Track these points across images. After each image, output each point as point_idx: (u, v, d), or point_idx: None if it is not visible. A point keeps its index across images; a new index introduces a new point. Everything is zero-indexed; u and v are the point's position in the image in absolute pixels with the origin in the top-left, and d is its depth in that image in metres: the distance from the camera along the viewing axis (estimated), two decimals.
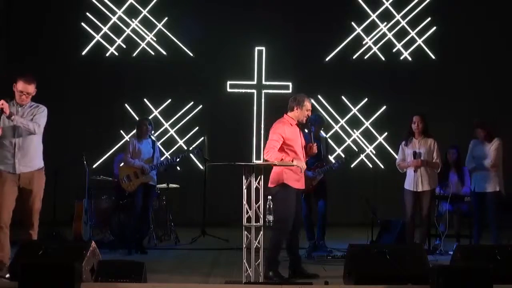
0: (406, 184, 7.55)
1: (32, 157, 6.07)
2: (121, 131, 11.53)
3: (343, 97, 11.70)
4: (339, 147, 11.60)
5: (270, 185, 6.19)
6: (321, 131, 8.26)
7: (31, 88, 6.10)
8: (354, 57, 11.80)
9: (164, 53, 11.69)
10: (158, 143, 8.54)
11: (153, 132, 8.46)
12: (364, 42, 11.81)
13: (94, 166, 10.70)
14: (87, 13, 11.58)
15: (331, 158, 9.71)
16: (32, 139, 6.05)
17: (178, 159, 8.65)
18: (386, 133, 11.64)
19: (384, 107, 11.65)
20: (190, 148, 9.41)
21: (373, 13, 11.83)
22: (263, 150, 6.31)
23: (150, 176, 8.12)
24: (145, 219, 8.15)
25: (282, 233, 6.11)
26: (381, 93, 11.58)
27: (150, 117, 11.44)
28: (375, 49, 11.82)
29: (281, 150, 6.13)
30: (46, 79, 11.32)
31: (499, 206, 7.60)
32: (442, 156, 7.71)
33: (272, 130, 6.31)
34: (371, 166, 11.62)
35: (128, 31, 11.68)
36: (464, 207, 8.20)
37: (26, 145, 6.03)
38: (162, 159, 8.53)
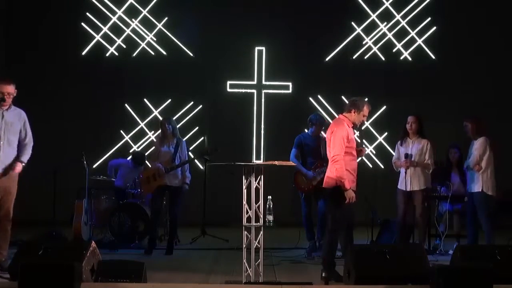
0: (398, 183, 7.57)
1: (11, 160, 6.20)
2: (121, 131, 11.54)
3: (343, 97, 11.69)
4: None
5: (327, 185, 6.21)
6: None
7: (11, 88, 6.15)
8: (354, 57, 11.80)
9: (164, 53, 11.70)
10: (183, 144, 8.24)
11: (172, 131, 8.16)
12: (364, 42, 11.81)
13: (94, 166, 10.69)
14: (87, 13, 11.58)
15: None
16: (13, 144, 6.19)
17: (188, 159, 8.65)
18: (386, 133, 11.64)
19: (384, 107, 11.65)
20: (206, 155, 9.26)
21: (373, 13, 11.83)
22: (332, 154, 6.15)
23: (169, 177, 7.96)
24: (156, 221, 8.16)
25: (338, 233, 6.19)
26: (381, 93, 11.57)
27: (150, 117, 11.53)
28: (375, 49, 11.83)
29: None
30: (46, 79, 11.44)
31: (488, 206, 7.37)
32: (435, 157, 7.66)
33: (334, 134, 6.18)
34: (371, 166, 11.62)
35: (128, 31, 11.68)
36: (459, 207, 8.19)
37: (8, 148, 6.16)
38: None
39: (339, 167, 6.06)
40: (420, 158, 7.45)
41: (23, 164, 6.23)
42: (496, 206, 7.57)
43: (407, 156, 7.45)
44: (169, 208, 8.26)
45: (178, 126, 11.19)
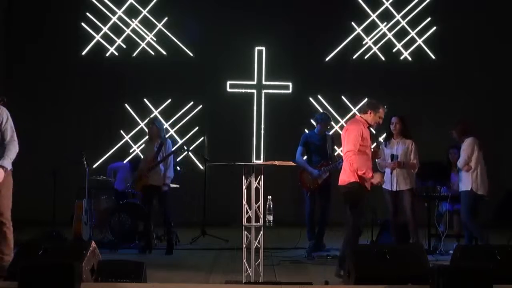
0: (384, 184, 7.56)
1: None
2: (121, 131, 11.54)
3: (343, 97, 11.70)
4: (339, 147, 11.57)
5: (341, 183, 6.24)
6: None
7: None
8: (354, 57, 11.80)
9: (164, 53, 11.70)
10: (168, 143, 8.19)
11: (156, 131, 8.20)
12: (364, 42, 11.81)
13: (94, 166, 10.69)
14: (87, 13, 11.59)
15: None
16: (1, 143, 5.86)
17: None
18: (385, 133, 11.61)
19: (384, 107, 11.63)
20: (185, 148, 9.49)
21: (373, 13, 11.83)
22: (345, 150, 6.22)
23: (150, 177, 8.03)
24: (146, 219, 8.20)
25: (357, 232, 6.20)
26: (381, 93, 11.54)
27: (150, 117, 11.49)
28: (375, 49, 11.83)
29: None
30: (46, 79, 11.45)
31: (473, 205, 7.40)
32: (421, 156, 7.65)
33: (348, 132, 6.25)
34: None
35: (128, 31, 11.69)
36: (459, 207, 8.18)
37: None
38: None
39: (355, 161, 6.09)
40: (406, 159, 7.45)
41: (5, 169, 5.64)
42: (499, 206, 7.58)
43: (393, 157, 7.45)
44: (159, 208, 8.24)
45: (178, 126, 11.31)
